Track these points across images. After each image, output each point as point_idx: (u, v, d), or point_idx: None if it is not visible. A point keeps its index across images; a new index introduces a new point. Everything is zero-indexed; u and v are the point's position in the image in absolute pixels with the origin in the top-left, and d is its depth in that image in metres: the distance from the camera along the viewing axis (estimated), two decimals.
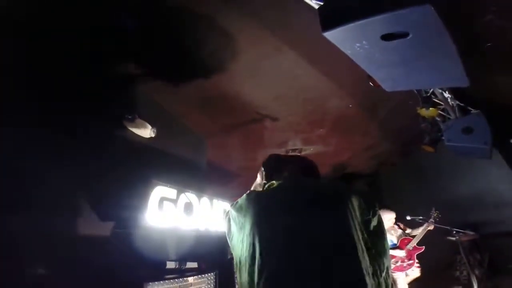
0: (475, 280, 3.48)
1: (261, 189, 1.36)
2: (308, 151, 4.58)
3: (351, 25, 1.34)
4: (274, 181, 1.27)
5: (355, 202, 1.18)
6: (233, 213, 1.24)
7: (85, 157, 1.88)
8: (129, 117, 2.45)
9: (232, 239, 1.25)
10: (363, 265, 1.04)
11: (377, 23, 1.29)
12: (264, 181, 1.37)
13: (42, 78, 1.92)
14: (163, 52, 2.40)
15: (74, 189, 1.80)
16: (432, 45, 1.36)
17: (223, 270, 2.36)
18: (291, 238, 1.06)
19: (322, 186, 1.27)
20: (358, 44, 1.49)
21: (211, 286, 2.24)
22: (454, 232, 3.67)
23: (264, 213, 1.14)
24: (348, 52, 1.58)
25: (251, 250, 1.07)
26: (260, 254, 1.04)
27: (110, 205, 1.87)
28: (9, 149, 1.54)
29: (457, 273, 4.64)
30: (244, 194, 1.26)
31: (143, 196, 2.00)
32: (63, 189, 1.67)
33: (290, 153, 4.54)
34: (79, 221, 1.72)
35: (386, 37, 1.37)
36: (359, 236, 1.11)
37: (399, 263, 3.77)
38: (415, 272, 3.87)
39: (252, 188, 1.43)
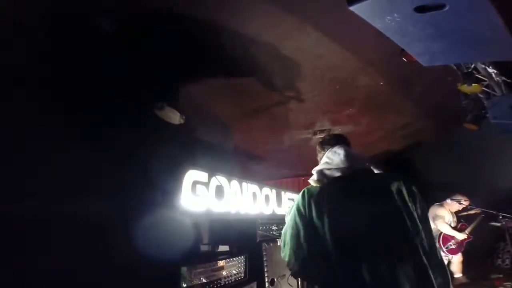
0: None
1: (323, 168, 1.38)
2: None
3: None
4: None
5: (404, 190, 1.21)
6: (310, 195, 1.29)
7: (121, 144, 1.99)
8: (159, 105, 2.55)
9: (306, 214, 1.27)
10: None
11: None
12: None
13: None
14: (186, 41, 2.42)
15: (112, 173, 1.91)
16: (473, 18, 1.22)
17: (252, 254, 2.40)
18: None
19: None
20: (389, 17, 1.38)
21: (241, 269, 2.30)
22: (500, 217, 3.44)
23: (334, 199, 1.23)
24: (378, 26, 1.48)
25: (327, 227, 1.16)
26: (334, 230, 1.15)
27: (146, 188, 1.96)
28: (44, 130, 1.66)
29: (499, 261, 4.40)
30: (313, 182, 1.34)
31: (177, 180, 2.07)
32: (100, 173, 1.79)
33: (318, 134, 4.46)
34: (115, 205, 1.81)
35: (420, 9, 1.26)
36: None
37: (454, 246, 3.69)
38: (458, 257, 3.76)
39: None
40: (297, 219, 1.25)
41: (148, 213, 1.86)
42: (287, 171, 5.53)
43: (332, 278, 1.10)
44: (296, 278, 2.22)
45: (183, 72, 2.72)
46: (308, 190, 1.30)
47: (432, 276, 1.07)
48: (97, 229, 1.68)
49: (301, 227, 1.22)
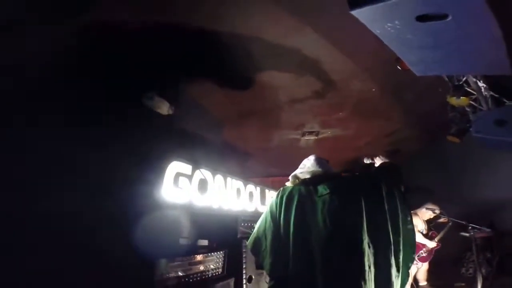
0: (480, 278, 3.42)
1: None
2: (326, 134, 4.49)
3: (383, 4, 1.22)
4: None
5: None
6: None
7: (102, 133, 1.90)
8: (148, 95, 2.48)
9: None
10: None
11: (413, 3, 1.17)
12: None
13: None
14: (182, 35, 2.35)
15: (90, 164, 1.82)
16: (474, 30, 1.22)
17: (232, 250, 2.38)
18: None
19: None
20: (389, 24, 1.37)
21: (219, 264, 2.28)
22: (470, 227, 3.57)
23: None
24: (377, 32, 1.46)
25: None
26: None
27: (126, 179, 1.89)
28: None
29: (463, 269, 4.57)
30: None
31: (159, 171, 2.01)
32: (78, 165, 1.71)
33: (307, 136, 4.47)
34: (90, 196, 1.73)
35: (422, 18, 1.25)
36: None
37: (425, 254, 3.78)
38: (425, 265, 3.87)
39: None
40: (268, 214, 1.39)
41: (126, 204, 1.80)
42: (274, 169, 5.53)
43: (282, 272, 1.21)
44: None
45: (175, 64, 2.65)
46: (283, 189, 1.45)
47: (393, 281, 1.14)
48: (71, 221, 1.61)
49: (269, 221, 1.35)
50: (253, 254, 1.46)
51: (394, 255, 1.21)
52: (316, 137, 4.49)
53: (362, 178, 1.42)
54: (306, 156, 1.60)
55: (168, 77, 2.68)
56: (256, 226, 1.46)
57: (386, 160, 1.61)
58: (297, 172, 1.48)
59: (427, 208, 3.79)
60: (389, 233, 1.23)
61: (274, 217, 1.34)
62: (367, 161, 1.68)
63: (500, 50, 1.32)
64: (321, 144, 4.69)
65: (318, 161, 1.46)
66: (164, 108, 2.58)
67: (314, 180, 1.37)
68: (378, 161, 1.62)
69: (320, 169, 1.41)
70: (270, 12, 2.23)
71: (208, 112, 3.36)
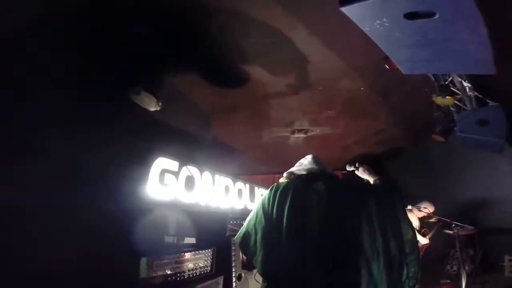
0: (464, 275, 3.52)
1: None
2: (315, 132, 4.52)
3: (373, 0, 1.22)
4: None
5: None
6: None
7: (86, 127, 1.85)
8: (135, 89, 2.42)
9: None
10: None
11: (402, 0, 1.18)
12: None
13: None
14: (171, 27, 2.30)
15: (73, 159, 1.77)
16: (461, 28, 1.24)
17: (220, 247, 2.36)
18: None
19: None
20: (378, 21, 1.37)
21: (208, 262, 2.25)
22: (453, 225, 3.67)
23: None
24: (366, 29, 1.47)
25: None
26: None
27: (110, 175, 1.84)
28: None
29: (448, 267, 4.71)
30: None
31: (144, 167, 1.96)
32: (60, 161, 1.65)
33: (296, 134, 4.48)
34: (74, 191, 1.69)
35: (410, 16, 1.26)
36: None
37: None
38: None
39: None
40: (260, 208, 1.38)
41: (109, 201, 1.75)
42: (264, 167, 5.54)
43: (274, 268, 1.20)
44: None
45: (164, 57, 2.59)
46: (277, 184, 1.43)
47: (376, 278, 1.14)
48: (53, 218, 1.55)
49: (260, 216, 1.34)
50: (241, 249, 1.44)
51: (387, 265, 1.18)
52: (305, 135, 4.50)
53: (361, 182, 1.43)
54: (296, 154, 1.63)
55: (155, 72, 2.62)
56: (246, 220, 1.46)
57: (369, 170, 1.57)
58: (293, 169, 1.49)
59: (417, 207, 3.86)
60: (388, 240, 1.20)
61: (266, 212, 1.32)
62: (349, 168, 1.67)
63: (485, 50, 1.34)
64: (310, 142, 4.72)
65: (316, 160, 1.47)
66: (152, 104, 2.52)
67: (310, 177, 1.37)
68: (361, 171, 1.59)
69: (316, 167, 1.42)
70: (264, 7, 2.20)
71: (197, 108, 3.32)
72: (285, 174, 1.48)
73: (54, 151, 1.62)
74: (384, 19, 1.35)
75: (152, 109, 2.55)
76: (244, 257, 2.20)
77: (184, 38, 2.45)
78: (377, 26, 1.41)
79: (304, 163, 1.46)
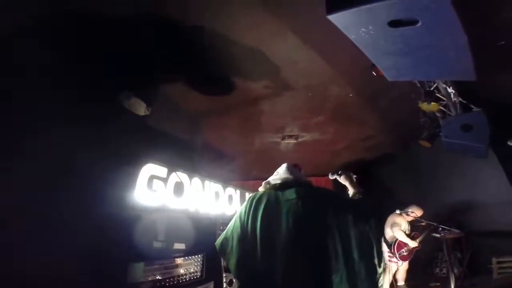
0: (453, 278, 3.57)
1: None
2: (305, 138, 4.56)
3: (358, 8, 1.26)
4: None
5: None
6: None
7: (73, 132, 1.82)
8: (126, 94, 2.41)
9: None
10: None
11: (386, 8, 1.22)
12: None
13: None
14: (161, 33, 2.31)
15: (61, 165, 1.75)
16: (442, 35, 1.29)
17: (211, 253, 2.34)
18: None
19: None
20: (363, 29, 1.41)
21: (198, 268, 2.23)
22: (440, 229, 3.73)
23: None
24: (352, 37, 1.51)
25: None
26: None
27: (98, 181, 1.82)
28: None
29: (437, 270, 4.77)
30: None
31: (133, 173, 1.95)
32: (48, 166, 1.63)
33: (287, 139, 4.51)
34: (64, 197, 1.67)
35: (394, 24, 1.30)
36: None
37: (406, 253, 3.88)
38: (404, 264, 3.98)
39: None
40: (237, 216, 1.44)
41: (98, 206, 1.73)
42: (256, 172, 5.53)
43: (247, 272, 1.27)
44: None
45: (154, 64, 2.60)
46: (254, 194, 1.50)
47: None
48: (43, 222, 1.52)
49: (237, 223, 1.41)
50: (219, 254, 1.49)
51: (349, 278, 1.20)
52: (296, 141, 4.54)
53: (332, 192, 1.47)
54: (287, 159, 1.65)
55: (145, 77, 2.62)
56: (227, 227, 1.50)
57: (351, 178, 1.61)
58: (270, 178, 1.53)
59: (405, 211, 3.91)
60: (351, 255, 1.24)
61: (242, 221, 1.38)
62: (331, 177, 1.70)
63: (466, 57, 1.39)
64: (301, 148, 4.75)
65: (289, 168, 1.51)
66: (141, 109, 2.51)
67: (283, 186, 1.41)
68: (343, 179, 1.63)
69: (290, 176, 1.46)
70: (254, 15, 2.24)
71: (187, 113, 3.31)
72: (262, 184, 1.53)
73: (41, 155, 1.60)
74: (370, 27, 1.40)
75: (142, 114, 2.54)
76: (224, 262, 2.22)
77: (174, 49, 2.47)
78: (363, 34, 1.45)
79: (279, 172, 1.50)
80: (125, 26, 2.16)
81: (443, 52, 1.44)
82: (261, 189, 1.53)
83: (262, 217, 1.31)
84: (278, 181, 1.44)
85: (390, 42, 1.47)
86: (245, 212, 1.39)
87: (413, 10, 1.20)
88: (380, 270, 1.26)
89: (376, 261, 1.25)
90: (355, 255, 1.22)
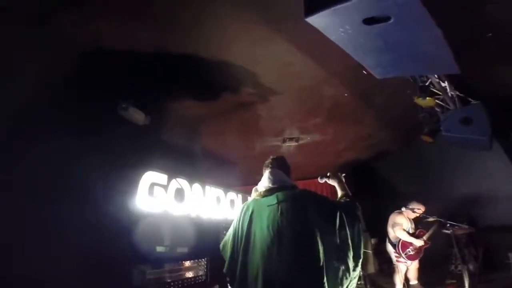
0: (466, 274, 3.48)
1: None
2: (306, 140, 4.58)
3: (332, 9, 1.32)
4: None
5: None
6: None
7: (76, 143, 1.91)
8: (123, 105, 2.50)
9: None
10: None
11: (357, 7, 1.27)
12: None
13: None
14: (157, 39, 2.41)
15: (66, 174, 1.83)
16: (415, 30, 1.33)
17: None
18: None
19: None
20: (341, 29, 1.47)
21: (202, 271, 2.29)
22: (448, 225, 3.65)
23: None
24: (332, 37, 1.56)
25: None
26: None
27: (101, 189, 1.90)
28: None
29: (452, 266, 4.64)
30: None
31: (134, 181, 2.02)
32: (51, 174, 1.71)
33: (287, 142, 4.54)
34: (69, 205, 1.74)
35: (368, 21, 1.35)
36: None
37: (412, 252, 3.81)
38: (414, 263, 3.90)
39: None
40: (234, 222, 1.54)
41: (100, 213, 1.80)
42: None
43: (234, 272, 1.36)
44: None
45: (152, 73, 2.69)
46: (246, 202, 1.59)
47: None
48: (50, 228, 1.60)
49: (233, 228, 1.52)
50: (223, 256, 1.57)
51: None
52: (297, 143, 4.56)
53: (313, 194, 1.48)
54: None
55: (144, 88, 2.71)
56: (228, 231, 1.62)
57: (339, 179, 1.66)
58: (258, 185, 1.60)
59: (406, 208, 3.85)
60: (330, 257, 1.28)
61: (235, 226, 1.51)
62: (321, 180, 1.74)
63: (443, 51, 1.42)
64: (302, 150, 4.76)
65: (274, 173, 1.55)
66: (140, 119, 2.60)
67: (267, 192, 1.48)
68: (331, 181, 1.68)
69: (272, 183, 1.51)
70: (245, 19, 2.30)
71: (186, 119, 3.38)
72: (253, 191, 1.60)
73: (43, 164, 1.68)
74: (347, 27, 1.45)
75: (141, 123, 2.63)
76: None
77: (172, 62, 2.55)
78: (342, 34, 1.50)
79: (265, 178, 1.55)
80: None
81: (421, 47, 1.48)
82: (252, 195, 1.61)
83: (248, 222, 1.42)
84: (263, 188, 1.51)
85: (369, 40, 1.52)
86: (238, 219, 1.50)
87: (383, 7, 1.25)
88: (354, 274, 1.31)
89: (350, 265, 1.29)
90: (331, 255, 1.27)
